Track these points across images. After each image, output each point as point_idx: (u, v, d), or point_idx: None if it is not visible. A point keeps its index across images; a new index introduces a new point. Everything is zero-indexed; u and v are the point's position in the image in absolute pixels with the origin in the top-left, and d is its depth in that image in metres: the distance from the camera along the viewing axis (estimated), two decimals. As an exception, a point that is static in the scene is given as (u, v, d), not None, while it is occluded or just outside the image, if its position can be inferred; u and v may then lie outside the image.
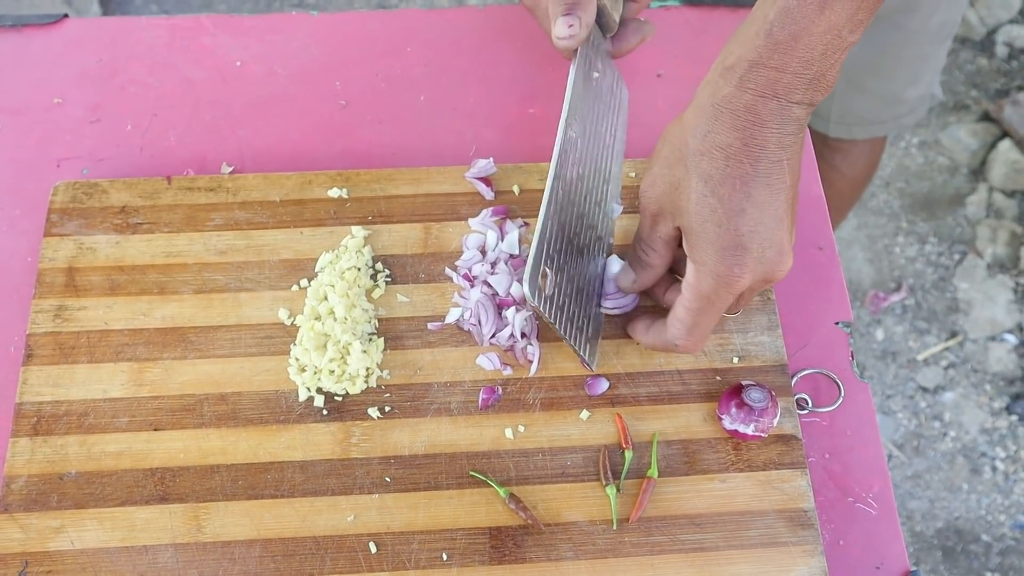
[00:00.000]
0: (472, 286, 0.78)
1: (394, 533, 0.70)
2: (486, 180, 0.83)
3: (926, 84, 1.37)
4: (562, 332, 0.70)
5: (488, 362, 0.76)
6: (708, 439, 0.74)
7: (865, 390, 0.78)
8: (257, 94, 0.90)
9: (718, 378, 0.76)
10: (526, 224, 0.82)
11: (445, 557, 0.69)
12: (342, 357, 0.74)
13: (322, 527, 0.70)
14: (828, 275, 0.83)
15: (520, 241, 0.81)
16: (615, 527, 0.71)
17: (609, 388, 0.75)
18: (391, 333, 0.77)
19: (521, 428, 0.74)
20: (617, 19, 0.79)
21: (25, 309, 0.78)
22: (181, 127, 0.88)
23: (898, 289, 1.98)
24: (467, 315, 0.77)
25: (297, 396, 0.74)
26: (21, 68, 0.91)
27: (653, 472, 0.72)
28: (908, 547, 1.75)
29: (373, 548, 0.69)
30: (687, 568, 0.69)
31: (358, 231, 0.80)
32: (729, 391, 0.73)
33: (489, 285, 0.78)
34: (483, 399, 0.74)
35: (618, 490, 0.71)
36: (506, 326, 0.76)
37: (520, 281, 0.77)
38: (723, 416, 0.73)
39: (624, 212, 0.82)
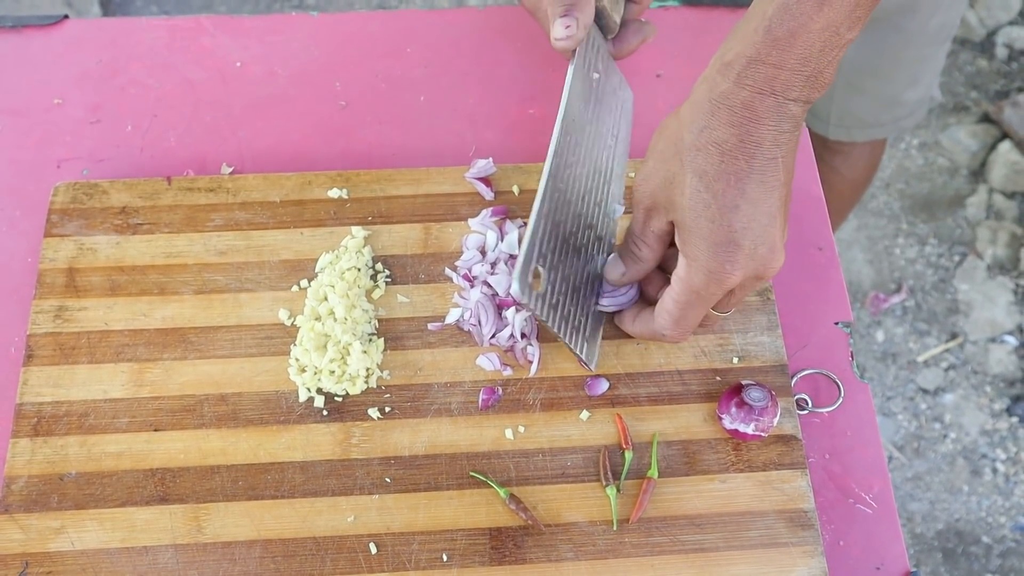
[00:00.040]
0: (472, 286, 0.79)
1: (394, 534, 0.70)
2: (486, 180, 0.83)
3: (925, 86, 1.37)
4: (556, 330, 0.70)
5: (488, 362, 0.76)
6: (708, 439, 0.74)
7: (865, 391, 0.78)
8: (257, 95, 0.90)
9: (718, 378, 0.76)
10: (526, 224, 0.82)
11: (445, 558, 0.69)
12: (342, 358, 0.74)
13: (322, 528, 0.70)
14: (828, 275, 0.83)
15: (520, 241, 0.81)
16: (615, 528, 0.71)
17: (609, 388, 0.75)
18: (391, 333, 0.77)
19: (521, 428, 0.74)
20: (618, 20, 0.79)
21: (25, 310, 0.78)
22: (181, 128, 0.88)
23: (898, 290, 1.98)
24: (467, 315, 0.77)
25: (297, 397, 0.74)
26: (21, 69, 0.91)
27: (653, 472, 0.72)
28: (908, 548, 1.75)
29: (373, 549, 0.69)
30: (687, 569, 0.69)
31: (358, 231, 0.80)
32: (729, 391, 0.73)
33: (489, 285, 0.78)
34: (483, 399, 0.74)
35: (618, 490, 0.71)
36: (506, 326, 0.76)
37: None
38: (723, 416, 0.73)
39: (627, 212, 0.82)
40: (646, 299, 0.76)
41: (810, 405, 0.77)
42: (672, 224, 0.68)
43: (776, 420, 0.72)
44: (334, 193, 0.82)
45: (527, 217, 0.82)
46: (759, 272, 0.65)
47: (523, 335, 0.76)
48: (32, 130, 0.88)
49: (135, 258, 0.79)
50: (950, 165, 2.12)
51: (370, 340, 0.76)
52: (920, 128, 2.16)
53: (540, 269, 0.67)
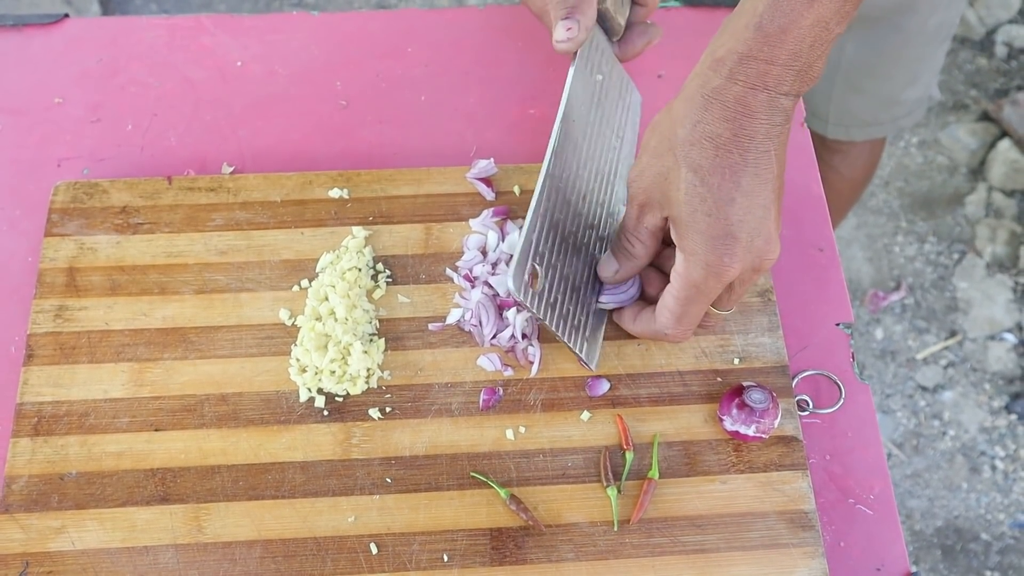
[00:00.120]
0: (473, 287, 0.78)
1: (395, 534, 0.70)
2: (487, 181, 0.83)
3: (924, 85, 1.37)
4: (554, 328, 0.70)
5: (489, 363, 0.76)
6: (709, 440, 0.74)
7: (866, 391, 0.78)
8: (257, 94, 0.90)
9: (719, 379, 0.76)
10: (526, 224, 0.82)
11: (446, 558, 0.69)
12: (343, 358, 0.74)
13: (323, 528, 0.70)
14: (828, 276, 0.83)
15: (521, 242, 0.81)
16: (616, 528, 0.71)
17: (610, 389, 0.75)
18: (392, 334, 0.77)
19: (522, 429, 0.74)
20: (622, 23, 0.79)
21: (26, 309, 0.78)
22: (181, 127, 0.88)
23: (897, 288, 1.99)
24: (468, 316, 0.77)
25: (298, 397, 0.74)
26: (21, 68, 0.90)
27: (654, 473, 0.72)
28: (908, 547, 1.76)
29: (374, 549, 0.69)
30: (688, 570, 0.69)
31: (359, 231, 0.80)
32: (730, 392, 0.73)
33: (490, 286, 0.78)
34: (484, 400, 0.74)
35: (619, 491, 0.71)
36: (507, 327, 0.76)
37: None
38: (724, 417, 0.73)
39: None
40: (647, 299, 0.76)
41: (811, 406, 0.77)
42: (666, 220, 0.68)
43: (777, 422, 0.72)
44: (335, 193, 0.82)
45: (527, 217, 0.82)
46: (757, 264, 0.66)
47: (524, 336, 0.76)
48: (32, 129, 0.87)
49: (135, 258, 0.79)
50: (949, 163, 2.12)
51: (371, 340, 0.76)
52: (919, 126, 2.16)
53: (537, 267, 0.67)
